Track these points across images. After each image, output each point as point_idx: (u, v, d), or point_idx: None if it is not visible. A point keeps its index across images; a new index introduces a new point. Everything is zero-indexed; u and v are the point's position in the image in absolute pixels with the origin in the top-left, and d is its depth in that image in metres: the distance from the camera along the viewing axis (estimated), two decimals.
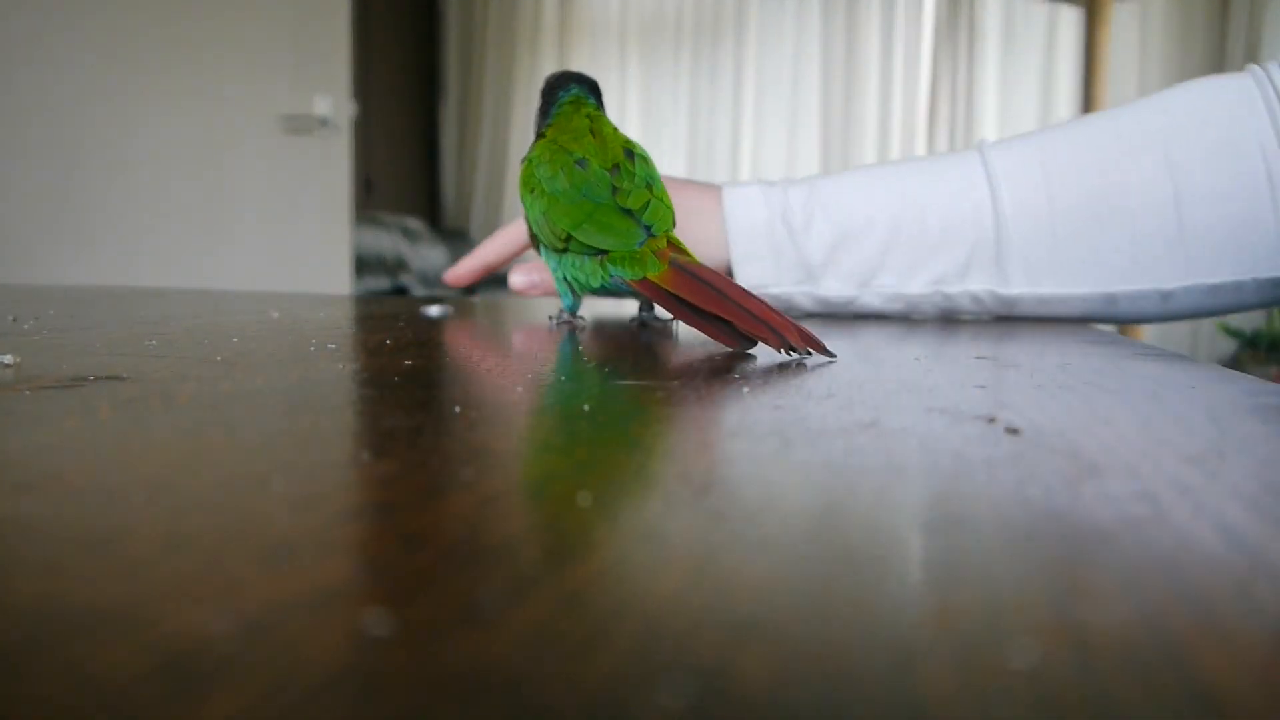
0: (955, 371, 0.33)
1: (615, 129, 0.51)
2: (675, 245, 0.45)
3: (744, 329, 0.37)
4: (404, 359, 0.33)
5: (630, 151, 0.49)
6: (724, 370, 0.32)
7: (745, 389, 0.27)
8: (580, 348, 0.40)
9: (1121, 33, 2.95)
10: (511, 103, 3.87)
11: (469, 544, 0.13)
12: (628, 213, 0.46)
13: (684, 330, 0.48)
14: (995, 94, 3.31)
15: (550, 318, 0.53)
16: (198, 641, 0.09)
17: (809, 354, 0.36)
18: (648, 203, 0.46)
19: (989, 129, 3.31)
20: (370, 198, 3.54)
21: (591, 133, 0.50)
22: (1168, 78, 3.09)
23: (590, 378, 0.31)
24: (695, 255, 0.45)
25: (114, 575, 0.11)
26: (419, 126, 4.00)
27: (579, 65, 3.82)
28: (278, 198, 2.07)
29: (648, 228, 0.45)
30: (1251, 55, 2.92)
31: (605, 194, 0.47)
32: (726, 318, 0.38)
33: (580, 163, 0.48)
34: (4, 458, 0.17)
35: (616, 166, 0.48)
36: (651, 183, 0.48)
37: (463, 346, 0.41)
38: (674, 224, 0.47)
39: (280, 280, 2.04)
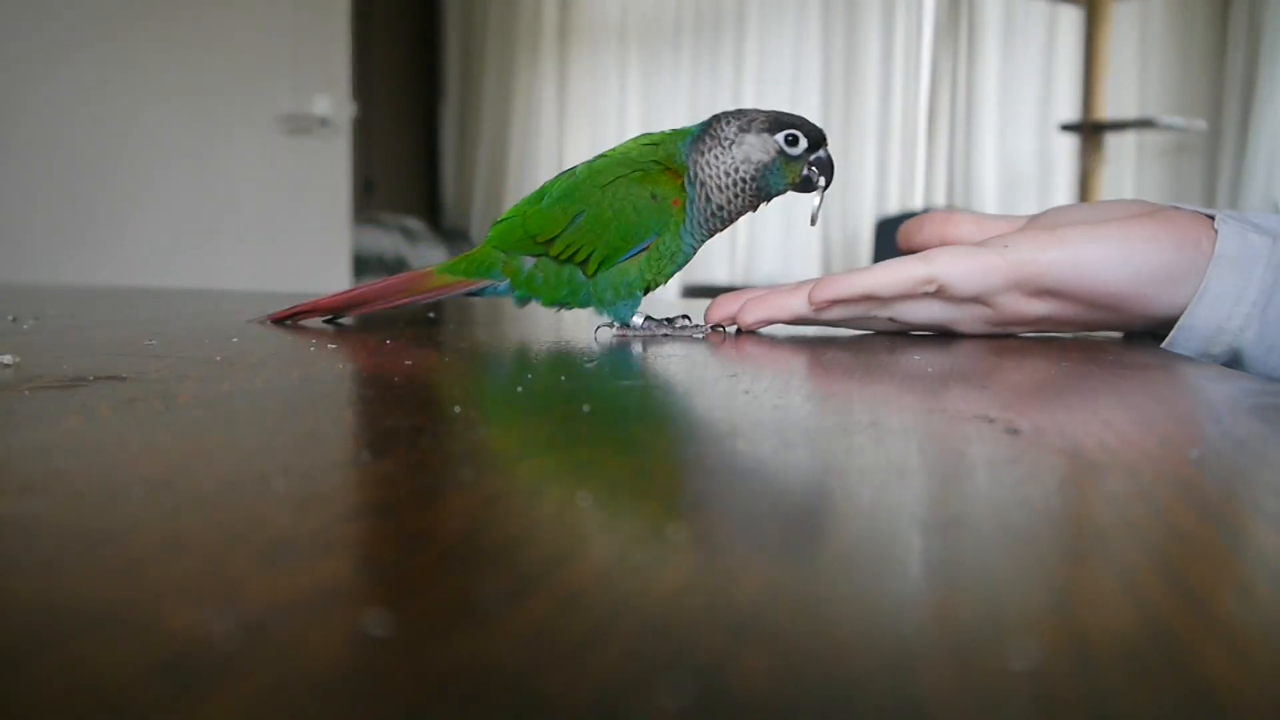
0: (955, 372, 0.33)
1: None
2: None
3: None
4: (404, 359, 0.33)
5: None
6: (724, 371, 0.32)
7: (746, 389, 0.27)
8: (579, 351, 0.40)
9: (1121, 33, 2.95)
10: (511, 103, 3.87)
11: (469, 544, 0.13)
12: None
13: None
14: (995, 94, 3.30)
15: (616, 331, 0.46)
16: (198, 641, 0.09)
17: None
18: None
19: (989, 129, 3.31)
20: (370, 198, 3.54)
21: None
22: (1168, 78, 3.09)
23: (589, 378, 0.31)
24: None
25: (114, 575, 0.11)
26: (419, 126, 4.00)
27: (579, 66, 3.82)
28: (277, 198, 2.07)
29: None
30: (1251, 55, 2.92)
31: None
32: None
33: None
34: (4, 458, 0.17)
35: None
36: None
37: (462, 346, 0.41)
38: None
39: (280, 280, 2.03)
